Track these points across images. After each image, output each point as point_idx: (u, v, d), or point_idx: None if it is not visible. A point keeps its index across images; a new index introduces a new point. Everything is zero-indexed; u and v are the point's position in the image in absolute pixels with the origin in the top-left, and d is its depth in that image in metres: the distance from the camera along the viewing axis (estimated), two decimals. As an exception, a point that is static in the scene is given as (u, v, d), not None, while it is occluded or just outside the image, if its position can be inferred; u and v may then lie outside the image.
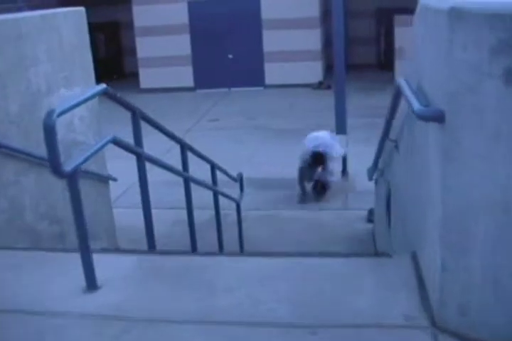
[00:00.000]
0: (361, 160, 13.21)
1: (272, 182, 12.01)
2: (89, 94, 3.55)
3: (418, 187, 3.68)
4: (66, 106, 3.18)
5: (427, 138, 3.24)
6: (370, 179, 8.51)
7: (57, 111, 3.06)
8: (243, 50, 21.88)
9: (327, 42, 22.07)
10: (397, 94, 3.81)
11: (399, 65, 21.42)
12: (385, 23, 24.26)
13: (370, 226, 9.78)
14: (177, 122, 17.17)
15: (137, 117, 4.22)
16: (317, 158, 10.84)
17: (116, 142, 3.83)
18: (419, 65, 3.41)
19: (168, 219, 9.94)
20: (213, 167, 6.89)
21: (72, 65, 6.98)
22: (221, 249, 7.25)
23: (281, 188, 11.70)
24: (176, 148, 6.71)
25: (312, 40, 21.71)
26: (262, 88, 22.08)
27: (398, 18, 21.34)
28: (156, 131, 5.83)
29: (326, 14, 21.86)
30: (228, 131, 16.08)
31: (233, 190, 9.29)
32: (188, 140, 15.17)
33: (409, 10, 17.18)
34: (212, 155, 13.67)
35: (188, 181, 5.60)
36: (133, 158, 4.71)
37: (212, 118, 17.81)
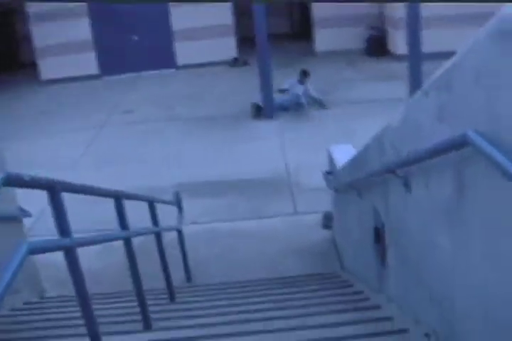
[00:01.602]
0: (299, 150, 12.09)
1: (205, 187, 10.60)
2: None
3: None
4: None
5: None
6: (331, 188, 7.34)
7: None
8: (149, 30, 20.09)
9: (238, 15, 20.72)
10: (453, 146, 2.53)
11: (319, 35, 20.41)
12: (296, -10, 23.09)
13: (327, 233, 8.60)
14: (88, 117, 15.62)
15: (58, 195, 2.81)
16: None
17: (35, 251, 2.47)
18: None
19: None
20: (152, 204, 5.48)
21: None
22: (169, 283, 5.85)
23: (216, 194, 10.31)
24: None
25: (223, 13, 20.12)
26: (173, 69, 20.48)
27: (314, -14, 20.15)
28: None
29: (234, -15, 20.46)
30: (146, 125, 14.50)
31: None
32: (103, 138, 13.98)
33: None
34: (133, 158, 12.39)
35: (129, 240, 4.21)
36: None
37: (126, 109, 16.15)
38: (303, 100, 14.70)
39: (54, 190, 2.81)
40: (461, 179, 2.72)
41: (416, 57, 13.97)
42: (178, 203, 7.39)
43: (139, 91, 18.25)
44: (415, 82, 14.05)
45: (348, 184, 5.85)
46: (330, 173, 7.43)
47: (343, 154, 7.26)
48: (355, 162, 5.60)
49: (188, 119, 14.72)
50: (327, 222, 8.65)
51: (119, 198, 4.04)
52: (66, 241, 2.86)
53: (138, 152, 12.61)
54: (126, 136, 13.80)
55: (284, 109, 14.71)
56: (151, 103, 16.50)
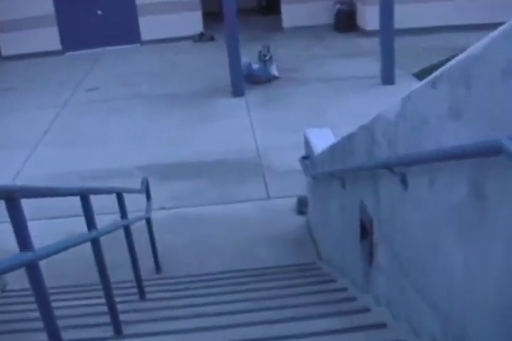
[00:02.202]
0: (269, 130, 11.72)
1: (172, 169, 10.20)
2: None
3: None
4: None
5: None
6: (308, 175, 7.00)
7: None
8: (113, 4, 19.53)
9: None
10: (480, 152, 2.20)
11: (286, 10, 20.00)
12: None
13: (301, 218, 8.28)
14: (51, 95, 15.10)
15: (17, 204, 2.42)
16: None
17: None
18: None
19: (59, 232, 8.09)
20: (120, 196, 5.07)
21: None
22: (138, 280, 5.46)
23: (183, 176, 9.91)
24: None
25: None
26: (138, 45, 19.95)
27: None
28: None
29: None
30: (111, 103, 14.02)
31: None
32: (66, 117, 13.46)
33: None
34: (97, 137, 11.94)
35: (97, 240, 3.83)
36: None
37: (90, 87, 15.61)
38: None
39: (13, 198, 2.42)
40: (481, 186, 2.40)
41: (388, 34, 13.65)
42: (146, 191, 6.99)
43: (103, 68, 17.71)
44: (387, 59, 13.76)
45: (330, 173, 5.53)
46: (307, 158, 7.08)
47: (321, 138, 6.94)
48: (337, 150, 5.26)
49: (153, 97, 14.27)
50: (301, 207, 8.34)
51: (85, 196, 3.65)
52: (28, 255, 2.49)
53: (102, 131, 12.17)
54: (90, 115, 13.33)
55: (255, 80, 14.44)
56: (115, 80, 15.99)
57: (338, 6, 19.44)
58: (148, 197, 7.11)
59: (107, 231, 4.21)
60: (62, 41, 19.66)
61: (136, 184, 7.33)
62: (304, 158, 7.14)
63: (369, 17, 17.97)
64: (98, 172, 10.12)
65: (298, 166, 8.26)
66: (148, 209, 6.89)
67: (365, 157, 4.20)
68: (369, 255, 4.54)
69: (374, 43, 16.07)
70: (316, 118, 11.57)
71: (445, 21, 17.83)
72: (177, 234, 8.09)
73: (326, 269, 6.28)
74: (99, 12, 19.60)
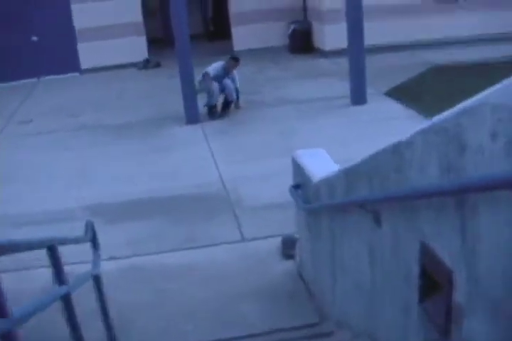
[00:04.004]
0: (233, 159, 10.10)
1: (124, 209, 8.48)
2: None
3: None
4: None
5: None
6: (302, 208, 5.43)
7: None
8: (49, 30, 17.71)
9: (147, 13, 18.73)
10: None
11: (237, 33, 18.62)
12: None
13: (289, 264, 6.67)
14: (-22, 129, 13.23)
15: None
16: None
17: None
18: None
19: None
20: (53, 250, 3.33)
21: None
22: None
23: (139, 217, 8.20)
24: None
25: (132, 10, 17.99)
26: (77, 74, 18.25)
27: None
28: None
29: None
30: (48, 136, 12.23)
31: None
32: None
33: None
34: (32, 175, 10.19)
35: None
36: None
37: (24, 119, 13.79)
38: (234, 96, 12.92)
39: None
40: None
41: (358, 51, 12.33)
42: (92, 238, 5.25)
43: (39, 99, 15.91)
44: (358, 78, 12.44)
45: (347, 204, 3.95)
46: (299, 187, 5.50)
47: (317, 161, 5.40)
48: (362, 172, 3.69)
49: (96, 128, 12.52)
50: (287, 249, 6.73)
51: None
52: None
53: (38, 167, 10.43)
54: (24, 149, 11.52)
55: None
56: (53, 112, 14.20)
57: (293, 26, 18.12)
58: (96, 246, 5.36)
59: (30, 316, 2.54)
60: (-7, 72, 17.83)
61: (80, 228, 5.63)
62: (296, 186, 5.57)
63: (328, 37, 16.76)
64: (34, 216, 8.43)
65: (272, 199, 7.29)
66: (96, 262, 5.15)
67: (439, 175, 2.64)
68: (443, 322, 2.94)
69: (334, 64, 15.21)
70: (285, 143, 10.09)
71: (409, 37, 16.82)
72: (133, 293, 6.33)
73: (340, 335, 4.64)
74: (34, 38, 17.85)
